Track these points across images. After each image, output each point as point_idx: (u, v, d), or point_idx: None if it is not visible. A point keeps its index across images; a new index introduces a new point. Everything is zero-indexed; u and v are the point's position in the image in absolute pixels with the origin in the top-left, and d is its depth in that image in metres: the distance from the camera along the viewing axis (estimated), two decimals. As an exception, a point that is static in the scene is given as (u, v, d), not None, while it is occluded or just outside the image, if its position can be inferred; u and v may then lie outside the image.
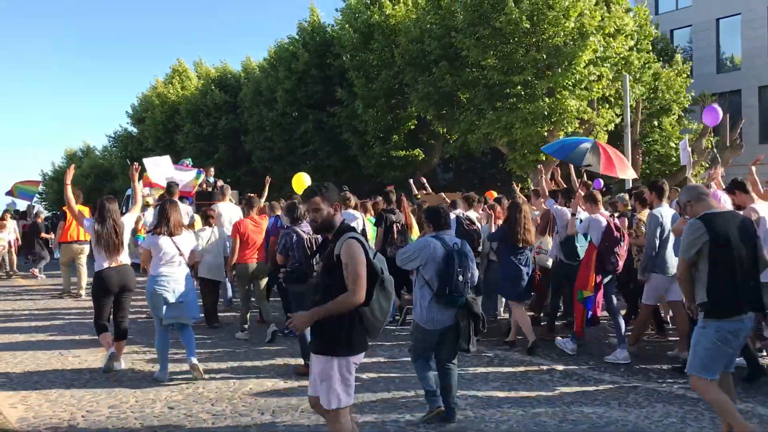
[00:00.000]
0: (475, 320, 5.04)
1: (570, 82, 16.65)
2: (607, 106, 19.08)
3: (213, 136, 31.84)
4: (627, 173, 9.34)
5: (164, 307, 6.47)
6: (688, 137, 13.94)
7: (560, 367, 6.89)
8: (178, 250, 6.56)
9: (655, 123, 21.52)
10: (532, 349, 7.46)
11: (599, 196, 7.81)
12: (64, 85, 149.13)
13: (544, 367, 6.89)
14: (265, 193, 11.02)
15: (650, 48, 21.01)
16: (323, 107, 26.13)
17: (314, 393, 3.87)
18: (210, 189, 12.80)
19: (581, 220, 7.78)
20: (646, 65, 20.25)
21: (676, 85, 21.74)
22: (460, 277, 4.94)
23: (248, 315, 8.81)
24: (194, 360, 6.63)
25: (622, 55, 17.95)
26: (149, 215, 11.06)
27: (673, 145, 21.56)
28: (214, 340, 8.57)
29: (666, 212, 7.09)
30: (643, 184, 13.03)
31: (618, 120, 18.44)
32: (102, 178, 45.92)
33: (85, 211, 9.65)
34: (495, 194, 11.95)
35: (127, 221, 7.08)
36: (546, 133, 17.24)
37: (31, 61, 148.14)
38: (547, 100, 16.73)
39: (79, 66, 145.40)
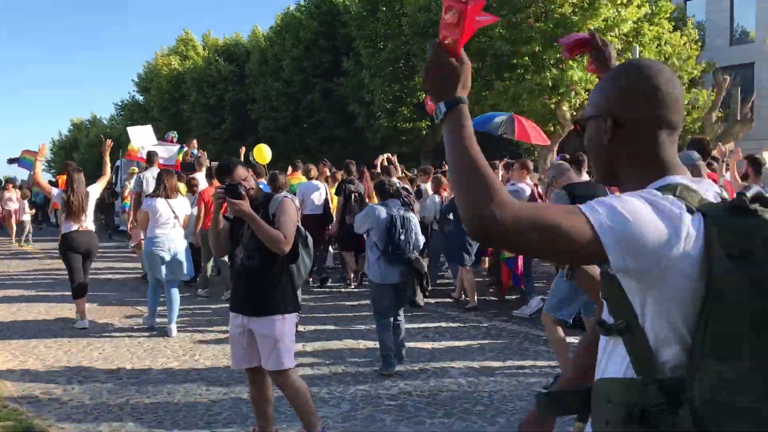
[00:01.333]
0: (419, 277, 5.77)
1: (576, 53, 16.33)
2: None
3: (219, 107, 31.65)
4: (541, 141, 11.17)
5: (162, 267, 6.97)
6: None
7: (557, 339, 6.86)
8: (174, 212, 7.04)
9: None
10: (469, 310, 8.29)
11: (531, 166, 8.46)
12: (74, 54, 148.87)
13: (541, 339, 6.88)
14: None
15: (666, 25, 20.17)
16: (330, 77, 25.88)
17: (250, 363, 3.94)
18: (193, 161, 13.23)
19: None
20: (658, 39, 19.66)
21: (684, 53, 21.23)
22: (402, 237, 5.75)
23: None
24: (173, 327, 7.02)
25: (632, 25, 17.53)
26: (133, 182, 11.51)
27: None
28: (211, 307, 8.62)
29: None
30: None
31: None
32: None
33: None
34: None
35: (92, 190, 7.51)
36: (553, 105, 17.03)
37: (43, 31, 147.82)
38: (554, 71, 16.50)
39: (88, 37, 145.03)
